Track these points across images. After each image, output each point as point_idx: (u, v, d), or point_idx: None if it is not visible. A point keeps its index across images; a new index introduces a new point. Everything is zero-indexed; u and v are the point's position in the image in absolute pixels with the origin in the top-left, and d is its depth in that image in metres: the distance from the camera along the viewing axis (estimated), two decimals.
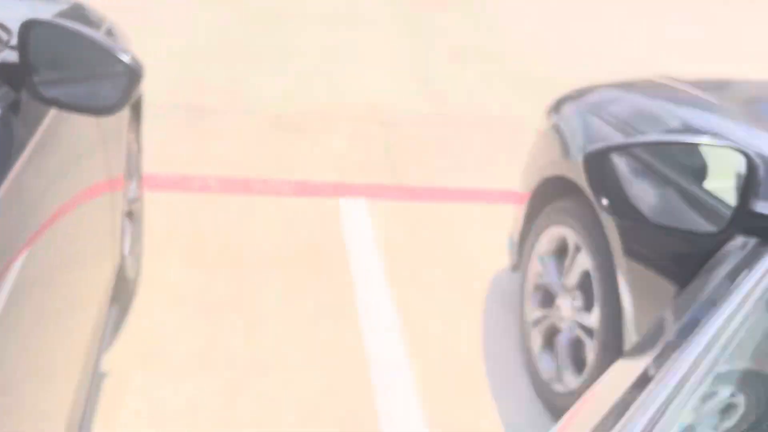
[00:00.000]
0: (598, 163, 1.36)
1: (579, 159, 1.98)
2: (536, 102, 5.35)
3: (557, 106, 2.35)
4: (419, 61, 6.13)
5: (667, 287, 1.52)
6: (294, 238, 2.99)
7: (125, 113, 2.17)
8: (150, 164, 3.46)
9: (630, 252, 1.66)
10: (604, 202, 1.33)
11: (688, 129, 1.78)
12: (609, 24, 9.03)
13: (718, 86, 2.46)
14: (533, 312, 2.25)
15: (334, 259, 2.87)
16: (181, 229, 2.97)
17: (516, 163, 4.15)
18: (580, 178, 1.93)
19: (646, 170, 1.50)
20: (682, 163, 1.50)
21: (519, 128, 4.65)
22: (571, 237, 2.01)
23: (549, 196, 2.23)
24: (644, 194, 1.51)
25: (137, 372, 2.15)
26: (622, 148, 1.51)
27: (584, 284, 1.96)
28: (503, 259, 2.98)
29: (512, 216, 3.23)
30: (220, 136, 3.96)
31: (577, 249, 1.97)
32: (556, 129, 2.19)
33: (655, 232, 1.62)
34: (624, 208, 1.41)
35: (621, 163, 1.46)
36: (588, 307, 1.93)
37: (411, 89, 5.25)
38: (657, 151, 1.52)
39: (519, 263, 2.46)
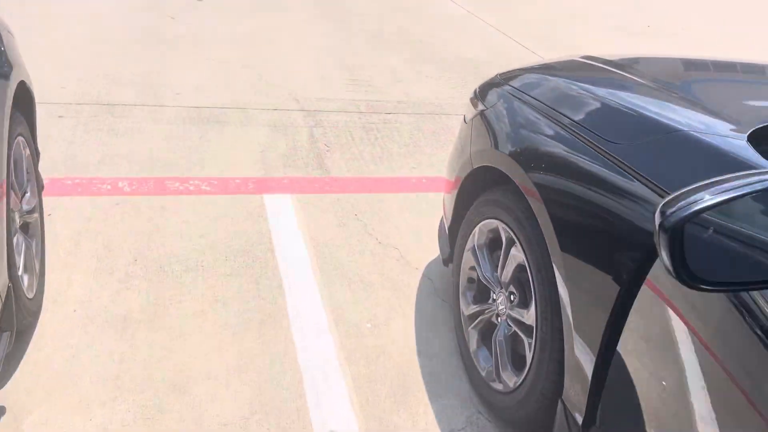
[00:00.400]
0: (677, 234, 1.01)
1: (508, 149, 1.89)
2: (463, 84, 5.32)
3: (482, 93, 2.26)
4: (342, 45, 5.96)
5: (608, 282, 1.46)
6: (215, 240, 2.80)
7: (4, 116, 1.92)
8: (53, 169, 3.19)
9: (567, 246, 1.59)
10: (696, 282, 1.03)
11: (612, 110, 1.72)
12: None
13: (637, 63, 2.43)
14: (468, 308, 2.17)
15: (260, 262, 2.70)
16: (89, 237, 2.72)
17: (444, 148, 4.11)
18: (511, 169, 1.85)
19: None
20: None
21: (446, 112, 4.58)
22: (504, 230, 1.93)
23: (478, 187, 2.14)
24: (734, 255, 1.13)
25: (39, 407, 1.94)
26: (708, 210, 1.03)
27: (520, 279, 1.89)
28: (435, 250, 2.90)
29: (442, 205, 3.16)
30: (132, 134, 3.68)
31: (511, 243, 1.89)
32: (483, 117, 2.10)
33: (591, 227, 1.55)
34: (722, 279, 1.08)
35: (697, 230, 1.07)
36: (525, 303, 1.86)
37: (335, 75, 5.08)
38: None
39: (451, 256, 2.37)
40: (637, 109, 1.68)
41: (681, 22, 8.91)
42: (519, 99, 1.97)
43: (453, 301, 2.34)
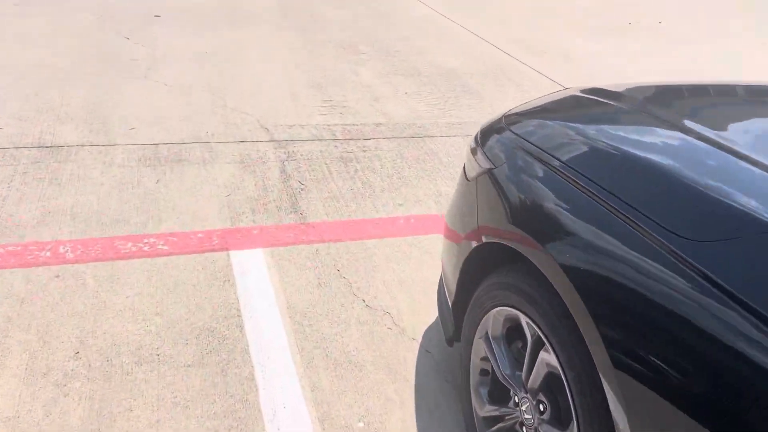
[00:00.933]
0: None
1: (531, 227, 1.51)
2: (444, 100, 4.93)
3: (486, 142, 1.87)
4: (312, 59, 5.53)
5: (687, 423, 1.08)
6: (174, 318, 2.38)
7: None
8: None
9: (622, 364, 1.21)
10: None
11: (668, 185, 1.33)
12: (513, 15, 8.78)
13: (666, 101, 2.07)
14: (483, 408, 1.79)
15: (228, 344, 2.28)
16: (21, 326, 2.28)
17: (430, 178, 3.71)
18: (537, 255, 1.46)
19: None
20: None
21: (429, 134, 4.19)
22: (529, 326, 1.54)
23: (489, 261, 1.76)
24: None
25: None
26: None
27: (552, 387, 1.50)
28: (431, 310, 2.51)
29: (439, 259, 2.76)
30: (78, 183, 3.23)
31: (539, 344, 1.51)
32: (491, 178, 1.70)
33: (660, 345, 1.17)
34: None
35: None
36: (560, 420, 1.48)
37: (307, 96, 4.67)
38: None
39: (456, 336, 1.99)
40: (705, 186, 1.28)
41: (657, 15, 8.63)
42: (537, 158, 1.59)
43: (463, 392, 1.95)
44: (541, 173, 1.55)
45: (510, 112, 2.01)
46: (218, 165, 3.54)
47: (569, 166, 1.49)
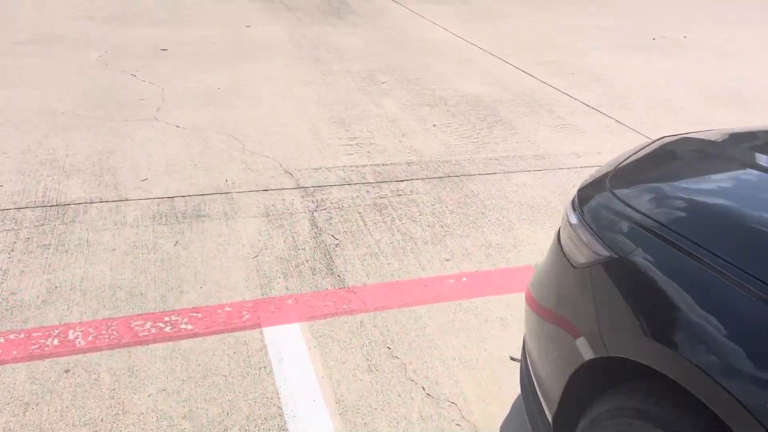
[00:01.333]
0: None
1: (684, 344, 1.15)
2: (476, 132, 4.56)
3: (590, 212, 1.51)
4: (331, 93, 5.21)
5: None
6: (205, 422, 2.01)
7: None
8: None
9: None
10: None
11: None
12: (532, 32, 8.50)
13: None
14: None
15: None
16: (26, 427, 1.93)
17: (476, 226, 3.32)
18: (694, 382, 1.10)
19: None
20: None
21: (467, 172, 3.84)
22: None
23: (610, 376, 1.40)
24: None
25: None
26: None
27: None
28: (502, 399, 2.15)
29: (504, 328, 2.41)
30: (87, 249, 2.89)
31: None
32: (612, 271, 1.34)
33: None
34: None
35: None
36: None
37: (329, 134, 4.33)
38: None
39: None
40: None
41: (679, 30, 8.32)
42: (679, 248, 1.23)
43: None
44: (690, 270, 1.19)
45: (609, 172, 1.65)
46: (242, 220, 3.19)
47: (726, 261, 1.13)
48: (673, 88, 5.89)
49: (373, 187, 3.63)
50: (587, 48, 7.24)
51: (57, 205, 3.23)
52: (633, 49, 7.33)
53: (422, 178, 3.78)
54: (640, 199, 1.45)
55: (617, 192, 1.51)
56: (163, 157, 3.83)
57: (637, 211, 1.40)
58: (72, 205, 3.24)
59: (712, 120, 5.05)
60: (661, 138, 1.91)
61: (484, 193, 3.63)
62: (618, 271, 1.35)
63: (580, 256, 1.48)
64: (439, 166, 3.95)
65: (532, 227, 3.29)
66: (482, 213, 3.41)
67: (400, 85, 5.52)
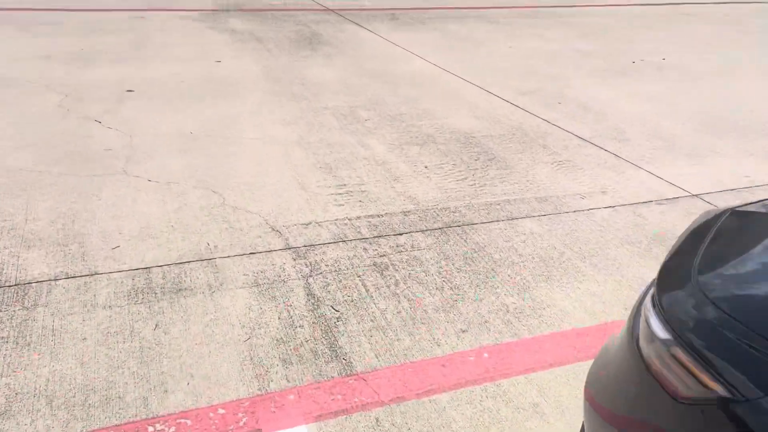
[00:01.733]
0: None
1: None
2: (472, 172, 4.30)
3: (685, 330, 1.23)
4: (313, 133, 4.91)
5: None
6: None
7: None
8: None
9: None
10: None
11: None
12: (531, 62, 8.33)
13: None
14: None
15: None
16: None
17: (489, 286, 2.90)
18: None
19: None
20: None
21: (469, 221, 3.56)
22: None
23: None
24: None
25: None
26: None
27: None
28: None
29: (541, 417, 2.11)
30: (52, 339, 2.51)
31: None
32: (732, 415, 1.05)
33: None
34: None
35: None
36: None
37: (316, 182, 4.02)
38: None
39: None
40: None
41: (656, 52, 8.25)
42: None
43: None
44: None
45: (690, 262, 1.38)
46: (228, 292, 2.85)
47: None
48: (662, 114, 5.73)
49: (371, 244, 3.32)
50: (569, 74, 7.09)
51: (16, 285, 2.84)
52: (615, 73, 7.20)
53: (422, 230, 3.48)
54: (742, 309, 1.17)
55: (719, 302, 1.23)
56: (136, 219, 3.46)
57: (744, 325, 1.12)
58: (34, 284, 2.85)
59: (710, 150, 4.88)
60: (710, 212, 1.66)
61: (490, 245, 3.35)
62: (745, 417, 1.06)
63: (683, 387, 1.19)
64: (438, 215, 3.66)
65: (548, 285, 3.01)
66: (493, 270, 3.12)
67: (385, 122, 5.24)
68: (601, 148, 4.85)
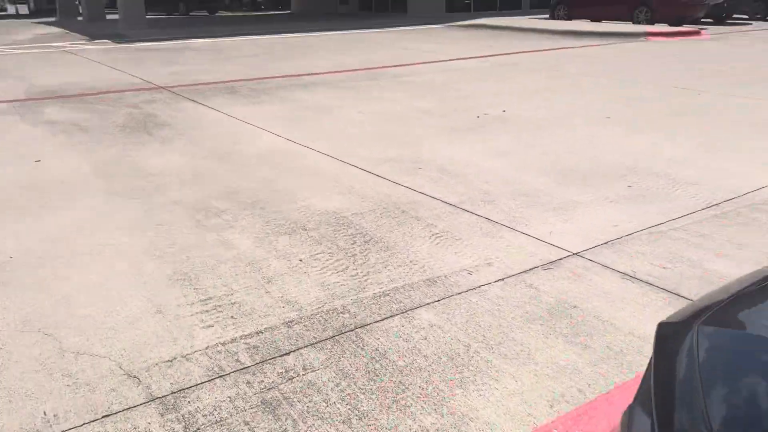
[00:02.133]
0: None
1: None
2: (352, 261, 3.79)
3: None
4: (162, 235, 4.30)
5: None
6: None
7: None
8: None
9: None
10: None
11: None
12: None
13: None
14: None
15: None
16: None
17: (401, 410, 2.58)
18: None
19: None
20: None
21: (362, 321, 3.17)
22: None
23: None
24: None
25: None
26: None
27: None
28: None
29: None
30: None
31: None
32: None
33: None
34: None
35: None
36: None
37: (175, 300, 3.42)
38: None
39: None
40: None
41: (495, 105, 8.59)
42: None
43: None
44: None
45: (703, 359, 1.09)
46: None
47: None
48: (518, 168, 5.81)
49: (254, 374, 2.81)
50: (420, 134, 7.08)
51: None
52: (463, 131, 7.31)
53: (311, 344, 3.03)
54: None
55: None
56: None
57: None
58: None
59: (574, 201, 4.95)
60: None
61: (391, 350, 2.98)
62: None
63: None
64: (326, 320, 3.24)
65: (464, 392, 2.69)
66: (401, 383, 2.74)
67: (244, 213, 4.76)
68: (473, 213, 4.73)
